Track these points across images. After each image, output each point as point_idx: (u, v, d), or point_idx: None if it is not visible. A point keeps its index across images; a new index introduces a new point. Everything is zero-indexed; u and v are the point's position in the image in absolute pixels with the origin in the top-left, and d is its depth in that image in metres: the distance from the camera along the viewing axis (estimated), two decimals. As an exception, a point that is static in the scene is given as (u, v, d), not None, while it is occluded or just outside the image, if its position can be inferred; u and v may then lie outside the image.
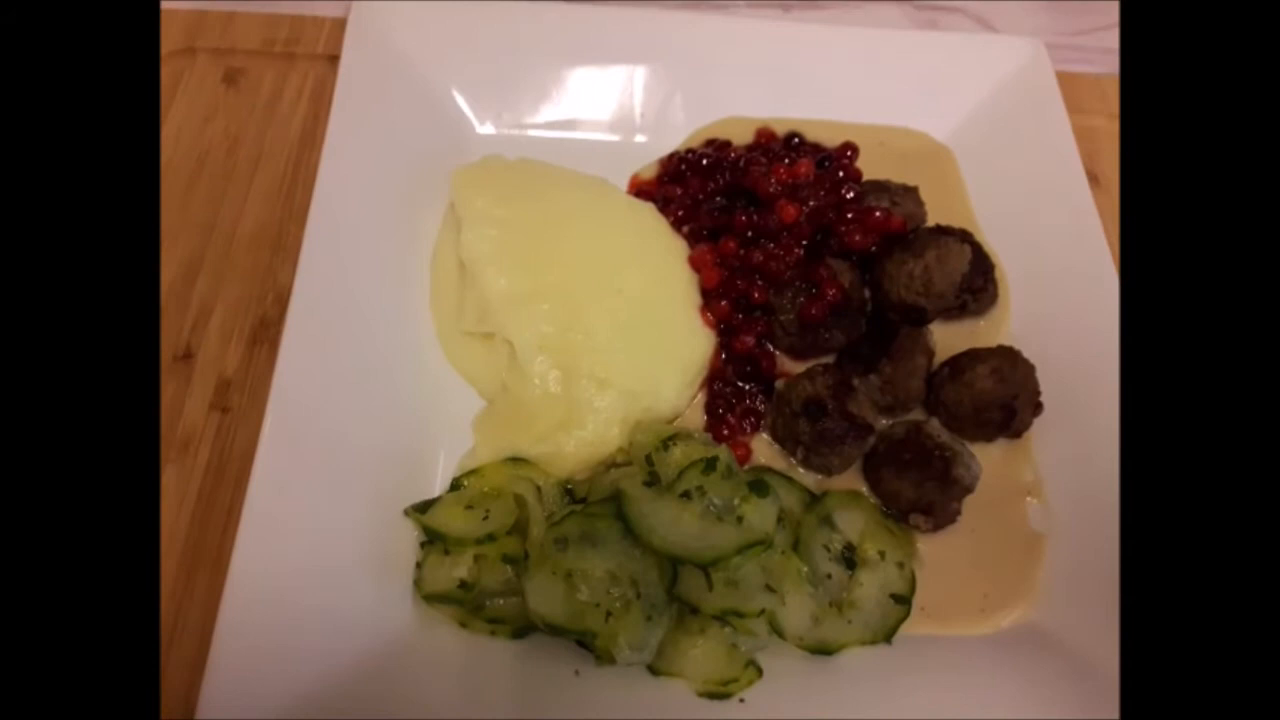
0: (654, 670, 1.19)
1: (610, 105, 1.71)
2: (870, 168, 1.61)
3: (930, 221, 1.55)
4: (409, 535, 1.27)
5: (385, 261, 1.44)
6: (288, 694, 1.06)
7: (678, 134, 1.71)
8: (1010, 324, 1.55)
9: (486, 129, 1.68)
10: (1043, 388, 1.39)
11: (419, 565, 1.24)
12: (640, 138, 1.71)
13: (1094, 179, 1.68)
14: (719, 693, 1.18)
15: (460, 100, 1.66)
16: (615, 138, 1.71)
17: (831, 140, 1.68)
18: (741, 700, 1.18)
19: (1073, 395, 1.41)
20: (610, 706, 1.16)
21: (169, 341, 1.44)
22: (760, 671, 1.20)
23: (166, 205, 1.56)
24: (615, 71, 1.70)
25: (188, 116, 1.68)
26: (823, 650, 1.23)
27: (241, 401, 1.40)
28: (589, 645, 1.15)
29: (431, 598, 1.20)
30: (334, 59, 1.53)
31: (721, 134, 1.70)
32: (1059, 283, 1.52)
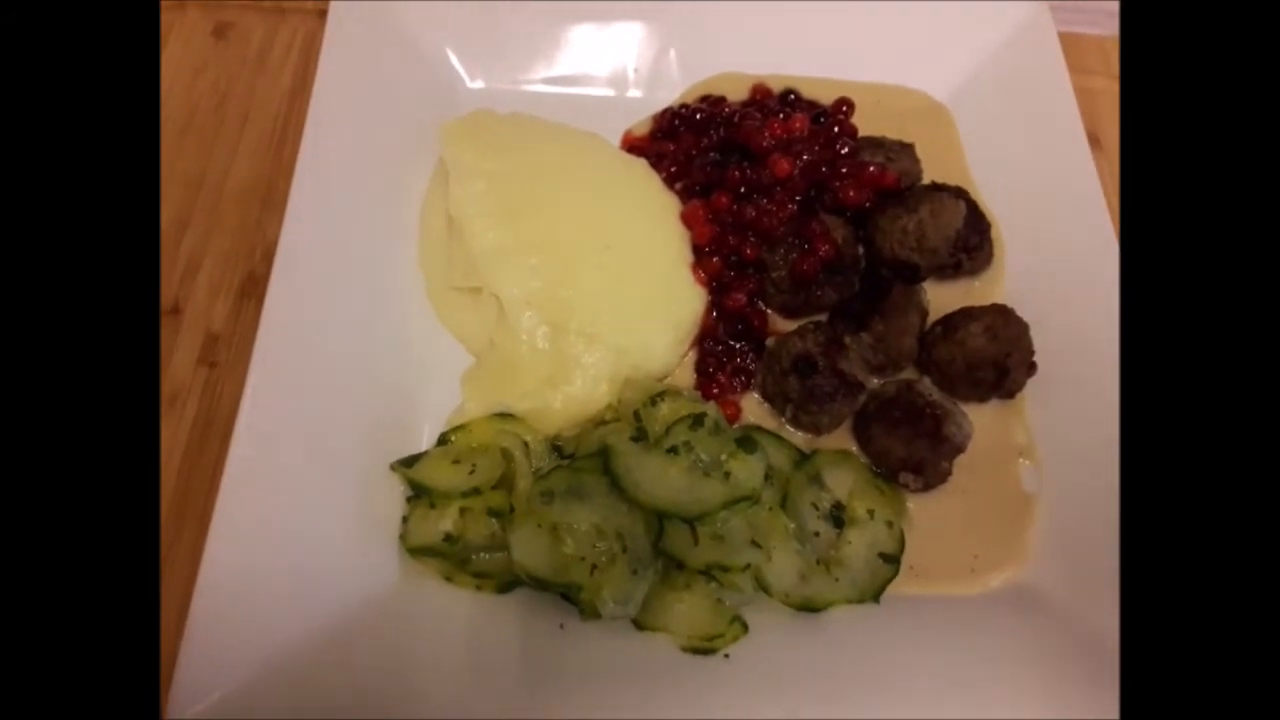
0: (639, 624, 1.18)
1: (604, 60, 1.68)
2: (867, 125, 1.59)
3: (926, 180, 1.53)
4: (395, 491, 1.26)
5: (373, 217, 1.42)
6: (268, 646, 1.06)
7: (672, 90, 1.68)
8: (1005, 285, 1.52)
9: (477, 84, 1.65)
10: (1038, 350, 1.37)
11: (405, 519, 1.24)
12: (634, 93, 1.68)
13: (1095, 141, 1.66)
14: (704, 648, 1.17)
15: (451, 55, 1.63)
16: (609, 93, 1.68)
17: (828, 98, 1.65)
18: (726, 656, 1.17)
19: (1068, 357, 1.39)
20: (595, 660, 1.16)
21: (157, 295, 1.43)
22: (746, 627, 1.19)
23: (155, 159, 1.55)
24: (609, 26, 1.67)
25: (178, 70, 1.67)
26: (809, 607, 1.22)
27: (229, 356, 1.40)
28: (574, 599, 1.14)
29: (416, 551, 1.20)
30: (324, 13, 1.50)
31: (717, 90, 1.67)
32: (1056, 245, 1.49)
